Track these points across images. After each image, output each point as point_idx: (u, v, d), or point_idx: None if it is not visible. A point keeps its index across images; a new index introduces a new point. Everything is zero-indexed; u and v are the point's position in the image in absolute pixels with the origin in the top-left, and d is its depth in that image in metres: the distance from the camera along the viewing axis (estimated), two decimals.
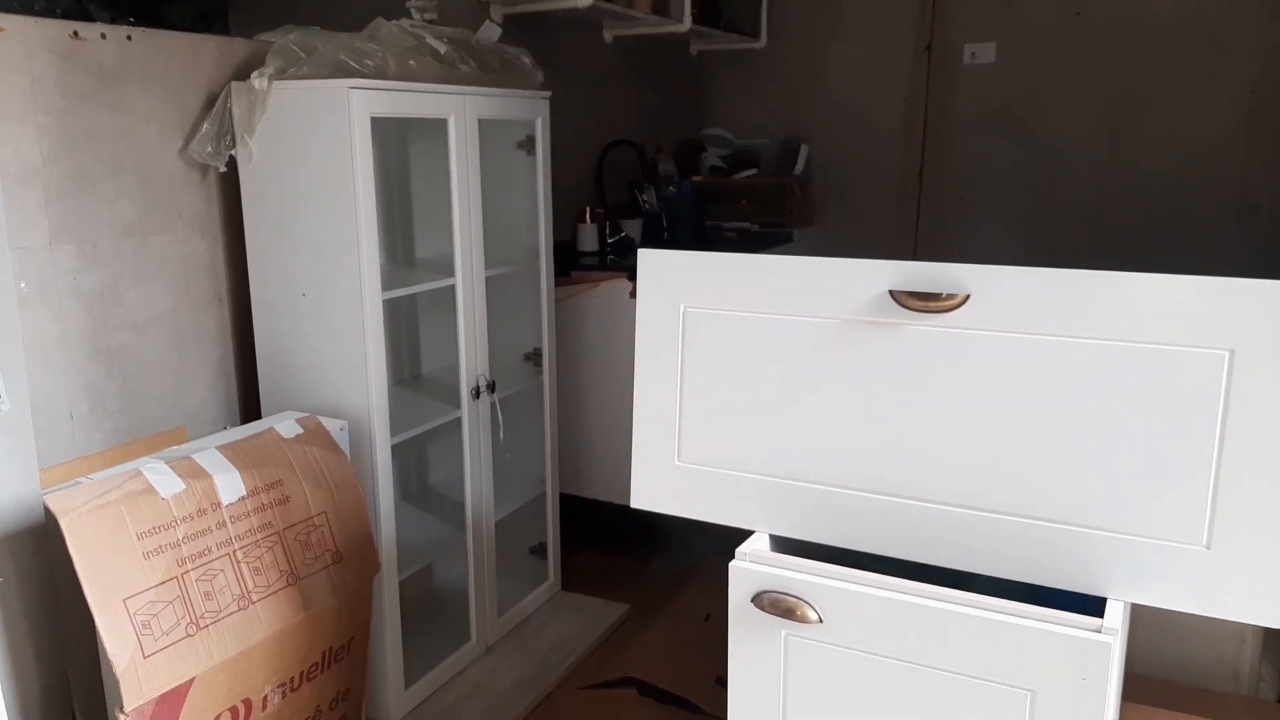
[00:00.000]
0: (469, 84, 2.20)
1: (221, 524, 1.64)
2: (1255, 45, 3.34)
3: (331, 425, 1.91)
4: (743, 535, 1.37)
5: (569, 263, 2.96)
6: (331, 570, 1.80)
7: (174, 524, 1.57)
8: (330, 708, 1.87)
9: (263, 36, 2.04)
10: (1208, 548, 1.11)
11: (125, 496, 1.53)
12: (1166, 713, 1.55)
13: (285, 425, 1.84)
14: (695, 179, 3.80)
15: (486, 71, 2.29)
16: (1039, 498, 1.19)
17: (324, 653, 1.81)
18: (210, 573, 1.60)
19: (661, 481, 1.42)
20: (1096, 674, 1.11)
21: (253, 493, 1.70)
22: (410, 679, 2.22)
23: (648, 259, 1.38)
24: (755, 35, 3.99)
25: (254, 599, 1.66)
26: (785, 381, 1.31)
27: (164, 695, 1.51)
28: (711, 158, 4.04)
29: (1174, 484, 1.12)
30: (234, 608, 1.62)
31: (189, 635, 1.54)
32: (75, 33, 1.76)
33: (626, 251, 3.14)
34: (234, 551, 1.65)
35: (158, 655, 1.49)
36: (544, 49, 2.57)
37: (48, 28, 1.73)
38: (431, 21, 2.48)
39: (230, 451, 1.72)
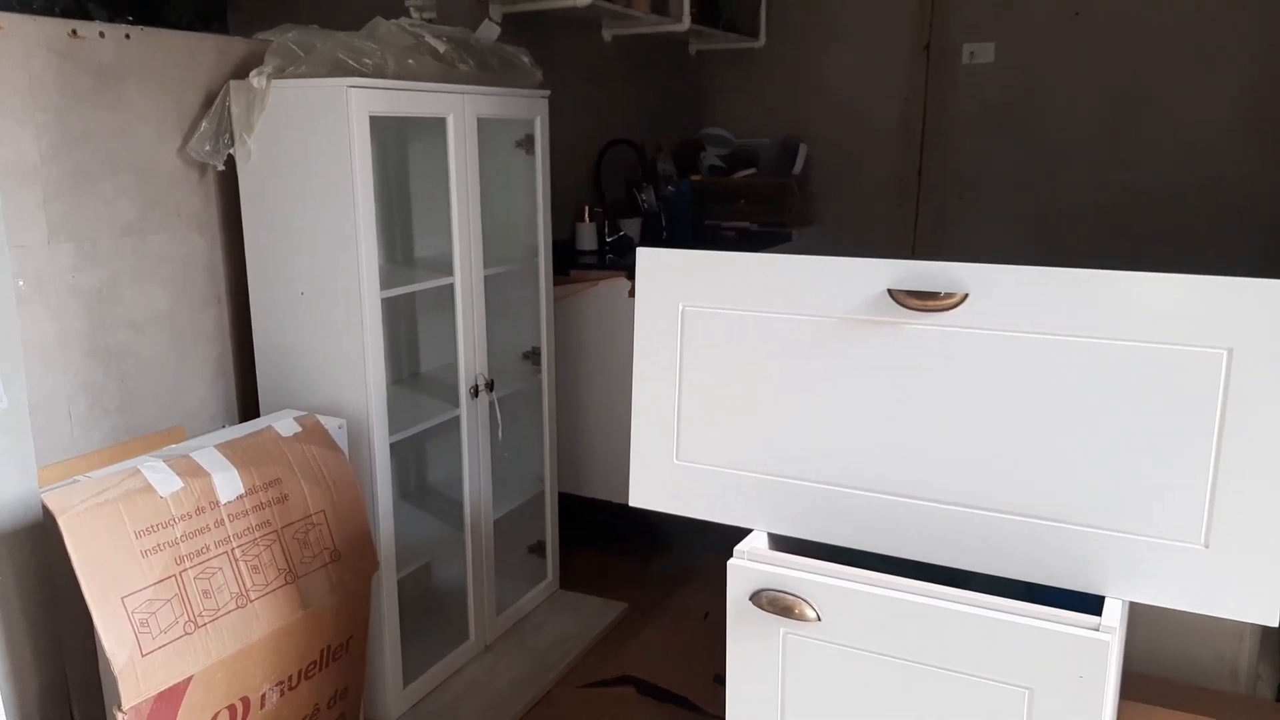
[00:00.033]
0: (468, 83, 2.20)
1: (220, 522, 1.64)
2: (1255, 45, 3.35)
3: (330, 424, 1.91)
4: (741, 534, 1.37)
5: (568, 262, 2.96)
6: (330, 569, 1.80)
7: (172, 522, 1.57)
8: (328, 706, 1.87)
9: (261, 35, 2.04)
10: (1206, 546, 1.11)
11: (123, 495, 1.52)
12: (1164, 711, 1.55)
13: (283, 424, 1.84)
14: (694, 178, 3.80)
15: (485, 70, 2.29)
16: (1037, 496, 1.19)
17: (322, 651, 1.81)
18: (208, 571, 1.60)
19: (660, 480, 1.42)
20: (1094, 672, 1.11)
21: (251, 491, 1.70)
22: (409, 677, 2.22)
23: (646, 258, 1.38)
24: (754, 35, 3.98)
25: (252, 597, 1.66)
26: (784, 380, 1.31)
27: (162, 693, 1.51)
28: (710, 157, 4.04)
29: (1172, 483, 1.12)
30: (232, 606, 1.62)
31: (187, 633, 1.54)
32: (74, 31, 1.76)
33: (625, 250, 3.14)
34: (232, 550, 1.65)
35: (156, 653, 1.49)
36: (543, 48, 2.57)
37: (46, 26, 1.73)
38: (430, 20, 2.48)
39: (229, 450, 1.71)
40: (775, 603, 1.26)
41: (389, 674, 2.16)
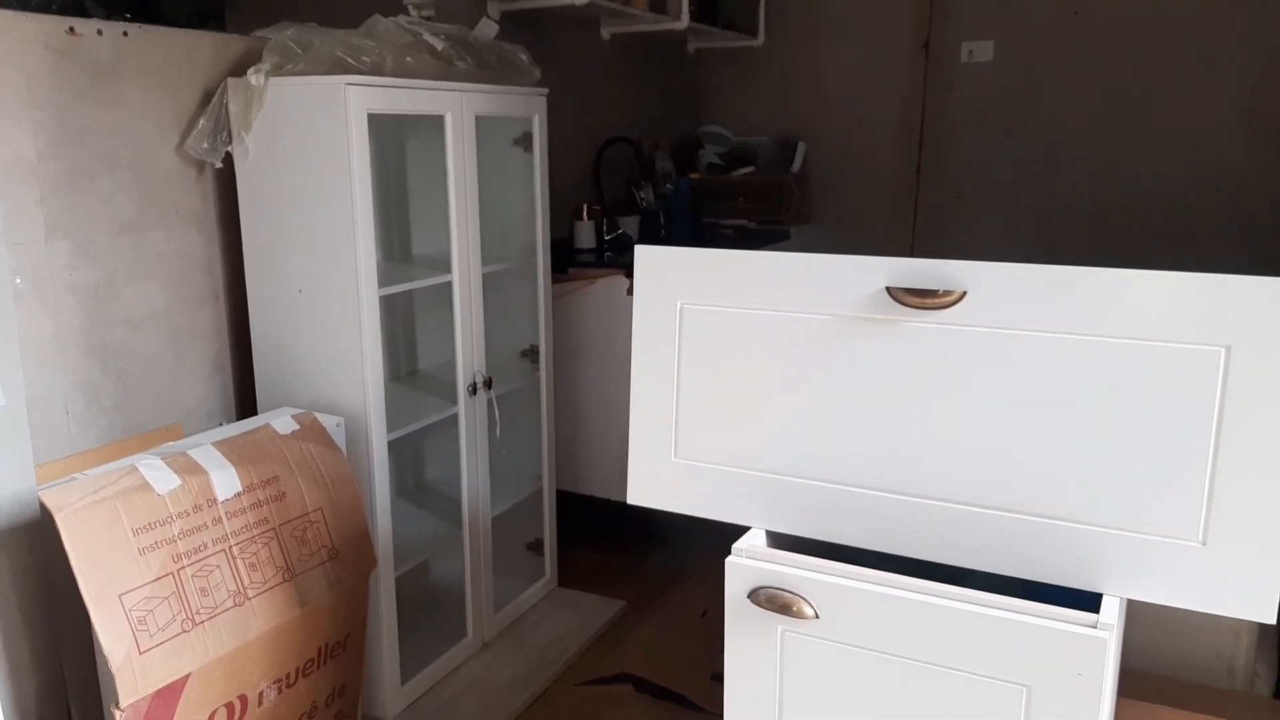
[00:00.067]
0: (466, 81, 2.20)
1: (217, 520, 1.64)
2: (1255, 45, 3.35)
3: (328, 421, 1.91)
4: (739, 531, 1.37)
5: (566, 259, 2.96)
6: (327, 566, 1.80)
7: (170, 520, 1.57)
8: (326, 704, 1.87)
9: (259, 33, 2.04)
10: (1203, 544, 1.11)
11: (121, 492, 1.52)
12: (1162, 708, 1.56)
13: (281, 421, 1.84)
14: (692, 176, 3.80)
15: (484, 68, 2.28)
16: (1035, 494, 1.19)
17: (320, 649, 1.81)
18: (206, 569, 1.60)
19: (658, 478, 1.42)
20: (1092, 669, 1.11)
21: (249, 489, 1.70)
22: (406, 675, 2.22)
23: (645, 255, 1.38)
24: (753, 33, 3.98)
25: (250, 595, 1.66)
26: (782, 378, 1.31)
27: (160, 691, 1.50)
28: (709, 155, 4.04)
29: (1170, 480, 1.12)
30: (230, 604, 1.62)
31: (185, 631, 1.54)
32: (71, 29, 1.76)
33: (623, 248, 3.14)
34: (230, 547, 1.65)
35: (153, 651, 1.49)
36: (541, 46, 2.57)
37: (43, 23, 1.72)
38: (428, 18, 2.47)
39: (226, 448, 1.71)
40: (773, 600, 1.27)
41: (387, 671, 2.16)
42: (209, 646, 1.57)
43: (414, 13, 2.52)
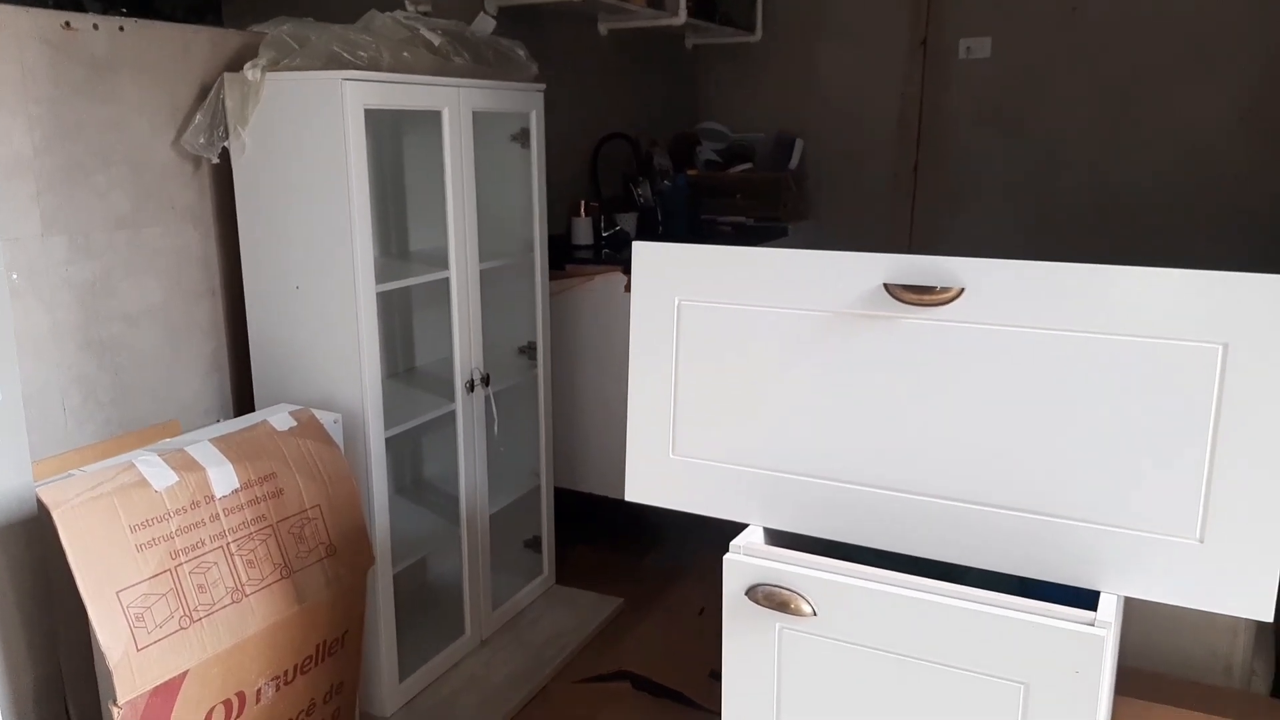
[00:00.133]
0: (463, 76, 2.19)
1: (215, 516, 1.64)
2: (1254, 44, 3.34)
3: (325, 418, 1.91)
4: (737, 528, 1.37)
5: (564, 256, 2.95)
6: (325, 563, 1.80)
7: (167, 516, 1.56)
8: (324, 701, 1.87)
9: (256, 28, 2.03)
10: (1201, 541, 1.11)
11: (118, 489, 1.52)
12: (1159, 706, 1.56)
13: (279, 418, 1.84)
14: (690, 173, 3.79)
15: (481, 64, 2.28)
16: (1033, 491, 1.19)
17: (318, 646, 1.81)
18: (204, 565, 1.60)
19: (656, 475, 1.42)
20: (1089, 667, 1.11)
21: (246, 485, 1.70)
22: (404, 672, 2.22)
23: (643, 252, 1.38)
24: (750, 29, 3.98)
25: (248, 592, 1.65)
26: (780, 374, 1.31)
27: (157, 688, 1.50)
28: (706, 151, 4.04)
29: (1167, 478, 1.12)
30: (227, 600, 1.62)
31: (182, 628, 1.54)
32: (67, 23, 1.75)
33: (621, 245, 3.14)
34: (227, 544, 1.64)
35: (151, 648, 1.49)
36: (539, 42, 2.56)
37: (39, 18, 1.72)
38: (426, 13, 2.47)
39: (223, 444, 1.71)
40: (771, 598, 1.27)
41: (384, 669, 2.16)
42: (207, 643, 1.57)
43: (411, 7, 2.52)
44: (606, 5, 3.13)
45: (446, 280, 2.23)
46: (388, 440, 2.10)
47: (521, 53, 2.41)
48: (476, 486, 2.39)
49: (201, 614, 1.57)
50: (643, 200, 3.45)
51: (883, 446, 1.26)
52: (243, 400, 2.16)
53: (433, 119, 2.16)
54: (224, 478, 1.67)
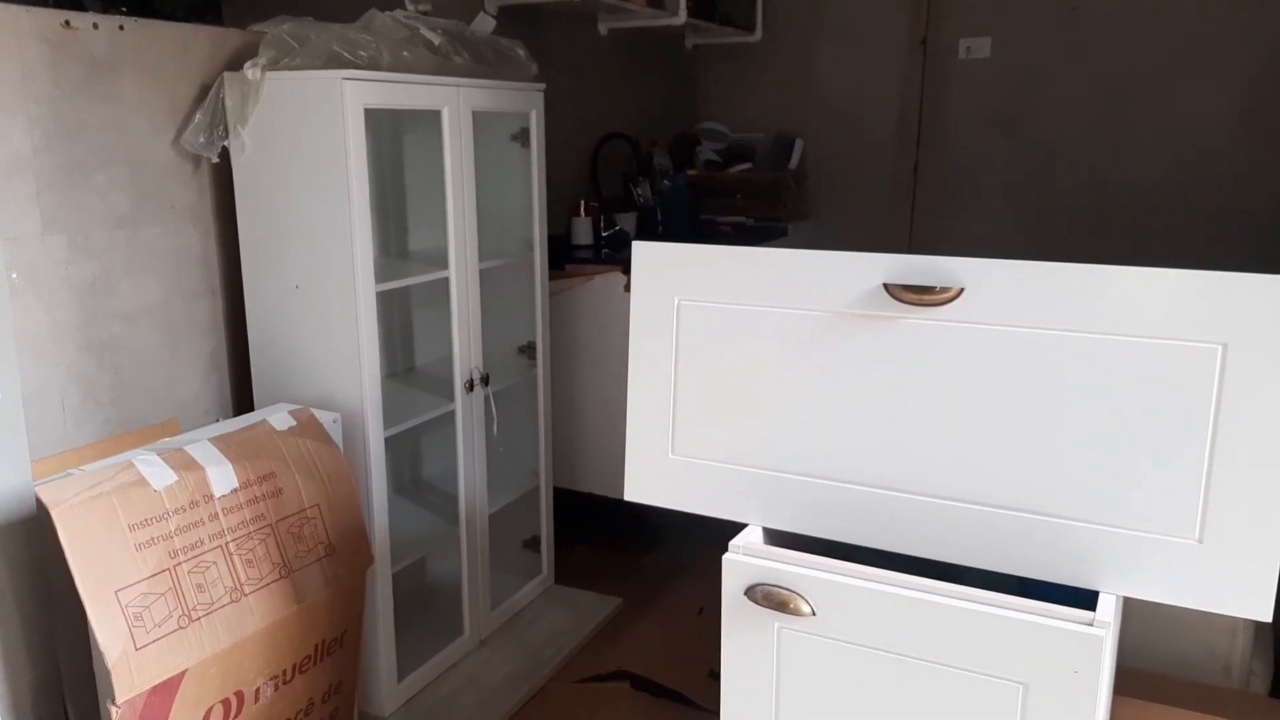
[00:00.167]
0: (463, 76, 2.19)
1: (214, 516, 1.64)
2: (1253, 44, 3.34)
3: (324, 418, 1.91)
4: (736, 528, 1.37)
5: (563, 256, 2.95)
6: (324, 563, 1.80)
7: (166, 516, 1.56)
8: (323, 700, 1.87)
9: (256, 27, 2.03)
10: (1200, 541, 1.11)
11: (117, 488, 1.52)
12: (1158, 706, 1.56)
13: (278, 417, 1.84)
14: (690, 173, 3.79)
15: (481, 63, 2.28)
16: (1032, 491, 1.19)
17: (316, 645, 1.81)
18: (202, 565, 1.60)
19: (655, 474, 1.42)
20: (1088, 667, 1.11)
21: (245, 485, 1.70)
22: (403, 672, 2.22)
23: (642, 251, 1.38)
24: (750, 29, 3.98)
25: (246, 591, 1.65)
26: (779, 374, 1.31)
27: (156, 687, 1.50)
28: (706, 151, 4.04)
29: (1166, 478, 1.12)
30: (226, 600, 1.62)
31: (181, 627, 1.54)
32: (67, 22, 1.75)
33: (621, 245, 3.14)
34: (226, 544, 1.64)
35: (149, 647, 1.49)
36: (539, 41, 2.56)
37: (39, 17, 1.72)
38: (425, 13, 2.47)
39: (223, 444, 1.71)
40: (770, 597, 1.27)
41: (383, 668, 2.16)
42: (205, 643, 1.57)
43: (411, 7, 2.52)
44: (606, 5, 3.13)
45: (446, 280, 2.23)
46: (387, 440, 2.10)
47: (521, 52, 2.41)
48: (476, 486, 2.38)
49: (200, 613, 1.57)
50: (642, 200, 3.45)
51: (882, 446, 1.26)
52: (242, 400, 2.16)
53: (432, 119, 2.16)
54: (223, 477, 1.67)
